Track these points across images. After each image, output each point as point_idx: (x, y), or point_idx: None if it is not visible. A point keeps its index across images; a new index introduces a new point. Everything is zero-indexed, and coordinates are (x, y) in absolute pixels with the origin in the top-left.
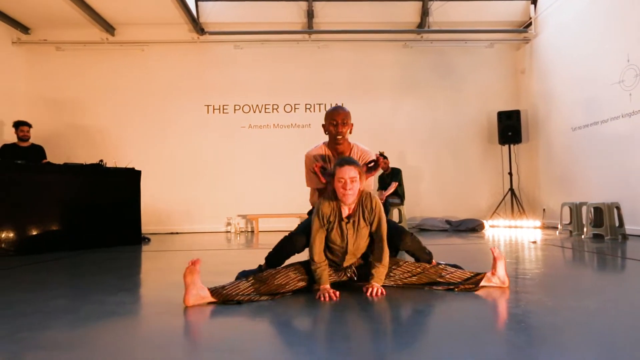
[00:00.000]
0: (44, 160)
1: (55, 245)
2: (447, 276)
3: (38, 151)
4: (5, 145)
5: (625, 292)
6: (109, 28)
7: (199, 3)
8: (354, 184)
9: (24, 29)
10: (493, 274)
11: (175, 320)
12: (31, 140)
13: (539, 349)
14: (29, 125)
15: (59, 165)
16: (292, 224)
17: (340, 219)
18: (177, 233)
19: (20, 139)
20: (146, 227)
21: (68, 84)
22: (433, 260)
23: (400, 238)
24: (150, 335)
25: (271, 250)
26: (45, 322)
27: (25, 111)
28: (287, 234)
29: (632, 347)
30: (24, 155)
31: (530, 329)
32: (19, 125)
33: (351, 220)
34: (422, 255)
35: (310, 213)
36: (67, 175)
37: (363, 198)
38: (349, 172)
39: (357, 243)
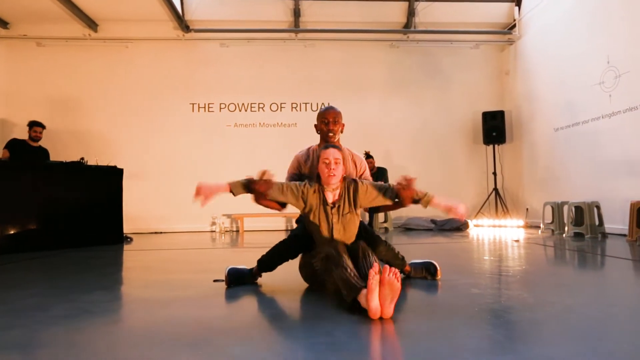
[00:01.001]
0: None
1: (34, 245)
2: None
3: (44, 153)
4: (15, 140)
5: (602, 289)
6: (91, 24)
7: (184, 0)
8: (338, 166)
9: (3, 24)
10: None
11: (151, 318)
12: (39, 142)
13: (517, 343)
14: (43, 127)
15: (38, 163)
16: (278, 223)
17: (325, 204)
18: (161, 233)
19: (31, 138)
20: (129, 226)
21: (49, 80)
22: (407, 266)
23: (374, 248)
24: (123, 334)
25: (264, 254)
26: (14, 321)
27: (4, 108)
28: (277, 234)
29: (607, 340)
30: (32, 155)
31: (510, 324)
32: (33, 125)
33: (336, 206)
34: (396, 262)
35: (298, 221)
36: (47, 173)
37: (347, 183)
38: (333, 154)
39: (344, 232)
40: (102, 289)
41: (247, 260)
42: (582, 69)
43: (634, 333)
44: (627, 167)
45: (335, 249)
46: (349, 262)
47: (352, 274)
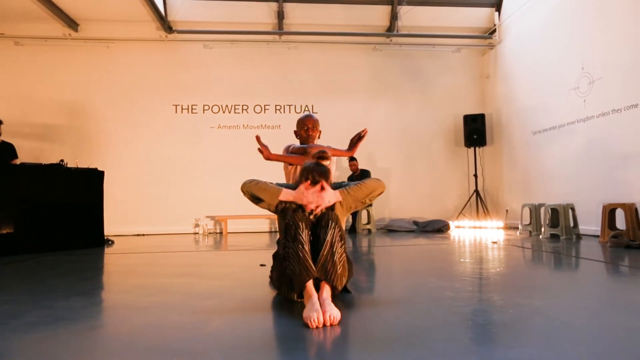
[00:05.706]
0: (15, 160)
1: (11, 249)
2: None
3: (9, 149)
4: None
5: (571, 291)
6: (71, 23)
7: (167, 1)
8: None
9: None
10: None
11: (129, 324)
12: (1, 138)
13: (481, 345)
14: (0, 122)
15: (16, 165)
16: (261, 225)
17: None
18: (143, 235)
19: None
20: (111, 228)
21: (27, 80)
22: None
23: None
24: (99, 341)
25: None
26: None
27: None
28: (261, 235)
29: (570, 341)
30: None
31: (477, 327)
32: None
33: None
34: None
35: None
36: (25, 175)
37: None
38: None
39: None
40: (79, 295)
41: (232, 264)
42: (558, 74)
43: (592, 336)
44: (600, 170)
45: (293, 219)
46: (305, 237)
47: (304, 255)
